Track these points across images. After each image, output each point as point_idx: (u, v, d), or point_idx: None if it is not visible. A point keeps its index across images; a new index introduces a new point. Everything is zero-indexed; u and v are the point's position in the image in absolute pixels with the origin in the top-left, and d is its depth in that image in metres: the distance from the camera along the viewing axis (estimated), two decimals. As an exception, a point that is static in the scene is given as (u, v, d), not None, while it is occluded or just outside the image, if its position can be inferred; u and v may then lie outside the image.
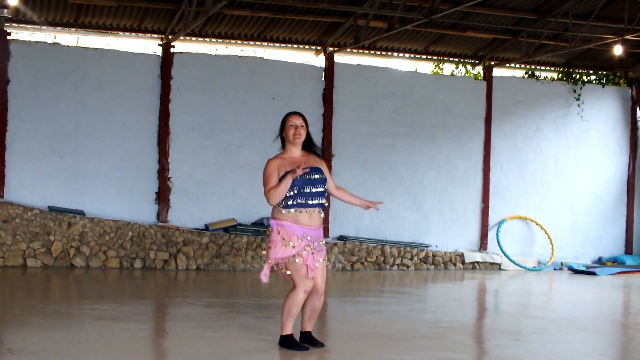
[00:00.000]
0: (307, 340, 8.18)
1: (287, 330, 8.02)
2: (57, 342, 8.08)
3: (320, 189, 8.02)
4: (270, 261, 7.98)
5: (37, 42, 16.57)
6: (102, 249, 15.77)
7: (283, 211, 7.95)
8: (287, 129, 8.17)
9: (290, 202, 7.93)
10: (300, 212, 7.93)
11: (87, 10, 16.28)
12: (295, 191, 7.91)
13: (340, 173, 17.50)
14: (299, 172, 7.77)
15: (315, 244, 7.97)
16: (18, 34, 16.70)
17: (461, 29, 18.05)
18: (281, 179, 7.90)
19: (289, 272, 7.92)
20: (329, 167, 16.31)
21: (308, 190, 7.95)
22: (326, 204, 8.19)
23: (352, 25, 17.08)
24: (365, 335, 8.96)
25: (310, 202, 7.96)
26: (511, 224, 19.54)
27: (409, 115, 18.65)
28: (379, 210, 8.85)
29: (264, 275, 8.05)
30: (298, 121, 8.17)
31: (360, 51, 18.79)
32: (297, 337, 8.11)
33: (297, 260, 7.83)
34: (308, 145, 8.27)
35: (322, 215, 8.11)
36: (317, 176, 8.01)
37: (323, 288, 8.07)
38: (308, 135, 8.25)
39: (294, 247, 7.84)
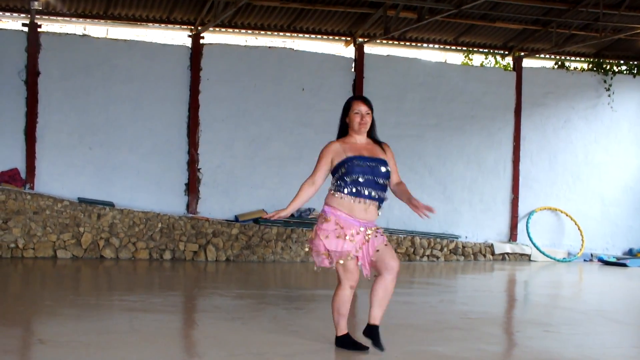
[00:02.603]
0: (373, 335, 7.56)
1: (342, 331, 7.58)
2: (87, 333, 8.07)
3: (382, 182, 7.43)
4: (322, 251, 7.41)
5: (67, 34, 16.66)
6: (131, 240, 15.81)
7: (336, 195, 7.40)
8: (352, 116, 7.53)
9: (347, 189, 7.37)
10: (358, 202, 7.35)
11: (116, 2, 16.34)
12: (356, 177, 7.34)
13: (370, 164, 17.43)
14: (282, 214, 7.39)
15: (370, 232, 7.40)
16: (48, 26, 16.76)
17: (491, 20, 17.96)
18: (342, 163, 7.40)
19: (341, 262, 7.37)
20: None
21: (372, 179, 7.38)
22: (386, 200, 7.61)
23: (381, 16, 17.02)
24: (396, 327, 8.91)
25: (370, 193, 7.38)
26: (541, 214, 19.45)
27: (438, 106, 18.61)
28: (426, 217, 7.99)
29: (322, 263, 7.51)
30: (364, 108, 7.53)
31: (390, 42, 18.75)
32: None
33: (349, 258, 7.33)
34: (372, 133, 7.68)
35: (380, 211, 7.56)
36: (383, 169, 7.44)
37: (396, 266, 7.49)
38: (373, 122, 7.64)
39: (351, 241, 7.33)
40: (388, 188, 7.61)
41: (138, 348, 7.48)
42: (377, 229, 7.52)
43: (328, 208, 7.44)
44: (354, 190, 7.35)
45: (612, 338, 9.23)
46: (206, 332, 8.55)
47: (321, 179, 7.55)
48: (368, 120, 7.53)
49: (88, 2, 16.26)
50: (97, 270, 14.18)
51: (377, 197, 7.43)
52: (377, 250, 7.45)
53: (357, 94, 7.66)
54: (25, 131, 15.94)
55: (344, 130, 7.63)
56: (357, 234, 7.35)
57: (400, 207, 18.26)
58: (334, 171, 7.49)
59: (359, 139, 7.58)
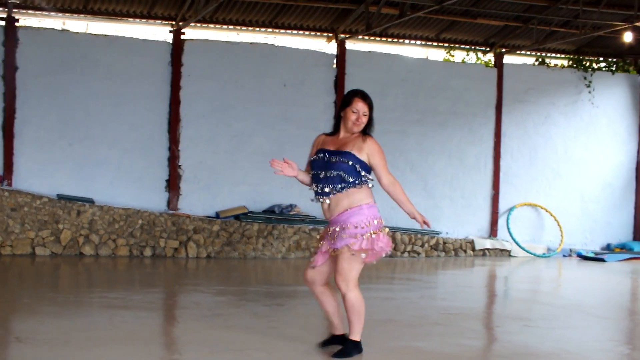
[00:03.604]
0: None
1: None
2: (67, 330, 8.03)
3: (334, 173, 7.10)
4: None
5: (46, 28, 16.50)
6: (111, 237, 15.73)
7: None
8: (348, 113, 7.25)
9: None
10: (319, 201, 7.27)
11: (96, -3, 16.29)
12: (314, 173, 7.27)
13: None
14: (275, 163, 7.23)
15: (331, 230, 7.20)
16: (26, 20, 16.66)
17: (472, 16, 18.00)
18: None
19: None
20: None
21: (321, 174, 7.19)
22: (343, 188, 7.12)
23: (363, 12, 17.03)
24: (377, 322, 8.92)
25: (320, 189, 7.20)
26: (521, 210, 19.52)
27: (421, 102, 18.63)
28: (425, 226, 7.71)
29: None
30: (363, 109, 7.26)
31: (372, 38, 18.77)
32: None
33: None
34: (366, 130, 7.37)
35: (342, 201, 7.13)
36: (334, 159, 7.16)
37: (338, 285, 7.20)
38: (371, 119, 7.37)
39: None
40: (344, 178, 7.13)
41: (118, 345, 7.45)
42: (339, 227, 7.18)
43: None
44: (313, 189, 7.35)
45: (589, 332, 9.33)
46: (187, 329, 8.51)
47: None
48: (363, 121, 7.27)
49: (68, -3, 16.20)
50: (77, 268, 14.11)
51: (326, 192, 7.18)
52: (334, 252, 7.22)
53: (360, 90, 7.16)
54: (3, 127, 15.81)
55: (338, 123, 7.41)
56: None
57: (381, 203, 18.27)
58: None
59: (343, 134, 7.36)
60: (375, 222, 7.20)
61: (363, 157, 7.23)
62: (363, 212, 7.16)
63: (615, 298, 12.76)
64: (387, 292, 12.02)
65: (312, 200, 7.40)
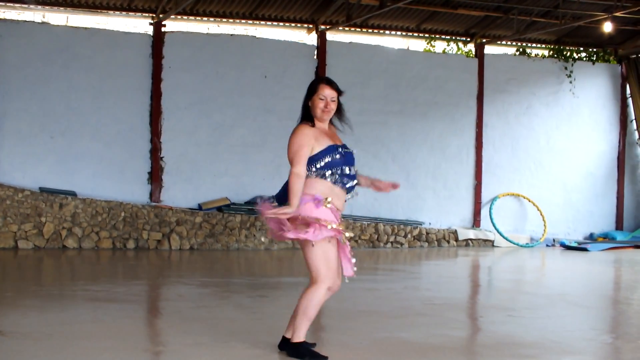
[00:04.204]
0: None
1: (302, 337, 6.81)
2: (50, 324, 7.98)
3: (355, 169, 6.93)
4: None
5: (26, 21, 16.41)
6: (94, 229, 15.68)
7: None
8: (315, 101, 6.75)
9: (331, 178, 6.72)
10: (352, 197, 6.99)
11: (76, -11, 16.20)
12: (335, 170, 6.73)
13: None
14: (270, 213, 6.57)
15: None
16: (5, 13, 16.56)
17: (452, 7, 18.01)
18: (324, 152, 6.68)
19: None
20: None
21: (348, 170, 6.83)
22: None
23: (343, 3, 17.02)
24: (360, 313, 8.92)
25: (353, 185, 6.93)
26: (504, 200, 19.56)
27: (402, 92, 18.62)
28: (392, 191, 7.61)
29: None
30: (330, 93, 6.76)
31: (353, 29, 18.78)
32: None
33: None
34: (336, 118, 6.97)
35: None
36: (350, 151, 6.92)
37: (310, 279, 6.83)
38: (340, 107, 6.91)
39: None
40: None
41: (102, 338, 7.40)
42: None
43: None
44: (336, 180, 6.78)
45: (573, 321, 9.32)
46: (170, 321, 8.43)
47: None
48: (333, 107, 6.78)
49: (47, -11, 16.11)
50: (60, 261, 14.05)
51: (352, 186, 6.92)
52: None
53: (324, 77, 6.65)
54: (-16, 120, 15.78)
55: (308, 114, 6.85)
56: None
57: (364, 194, 18.25)
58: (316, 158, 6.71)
59: (321, 125, 6.84)
60: None
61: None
62: None
63: (599, 287, 12.78)
64: (371, 282, 12.01)
65: (348, 198, 6.96)
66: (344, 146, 6.90)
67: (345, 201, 6.92)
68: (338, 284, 6.79)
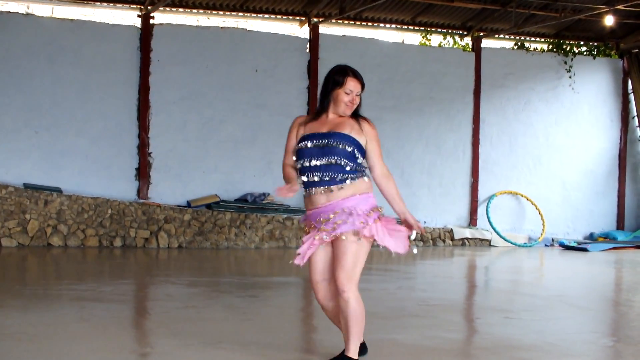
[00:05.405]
0: None
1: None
2: (34, 324, 7.87)
3: (333, 160, 6.24)
4: None
5: (9, 12, 16.17)
6: (80, 227, 15.49)
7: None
8: (340, 94, 6.41)
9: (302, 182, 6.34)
10: (310, 193, 6.37)
11: (62, -20, 15.96)
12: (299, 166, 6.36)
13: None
14: (281, 192, 6.17)
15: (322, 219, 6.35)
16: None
17: (449, -1, 17.78)
18: (301, 140, 6.33)
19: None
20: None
21: (307, 163, 6.31)
22: (345, 179, 6.29)
23: (337, -6, 16.85)
24: (354, 315, 8.70)
25: (313, 178, 6.31)
26: (501, 199, 19.38)
27: (396, 87, 18.42)
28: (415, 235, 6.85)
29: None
30: (357, 88, 6.46)
31: (346, 22, 18.63)
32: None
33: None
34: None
35: (346, 190, 6.32)
36: (333, 143, 6.28)
37: (339, 281, 6.53)
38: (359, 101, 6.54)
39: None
40: (341, 166, 6.27)
41: (88, 338, 7.31)
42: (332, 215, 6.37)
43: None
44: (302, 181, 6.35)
45: (572, 323, 9.25)
46: (158, 321, 8.41)
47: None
48: (357, 102, 6.47)
49: (32, -20, 15.84)
50: (45, 259, 13.93)
51: (319, 181, 6.30)
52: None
53: (349, 67, 6.28)
54: (-33, 115, 15.55)
55: (326, 105, 6.52)
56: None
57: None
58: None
59: (330, 115, 6.50)
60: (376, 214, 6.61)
61: (362, 141, 6.44)
62: (370, 201, 6.52)
63: (599, 289, 12.69)
64: (364, 283, 11.67)
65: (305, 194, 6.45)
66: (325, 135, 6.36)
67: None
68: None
